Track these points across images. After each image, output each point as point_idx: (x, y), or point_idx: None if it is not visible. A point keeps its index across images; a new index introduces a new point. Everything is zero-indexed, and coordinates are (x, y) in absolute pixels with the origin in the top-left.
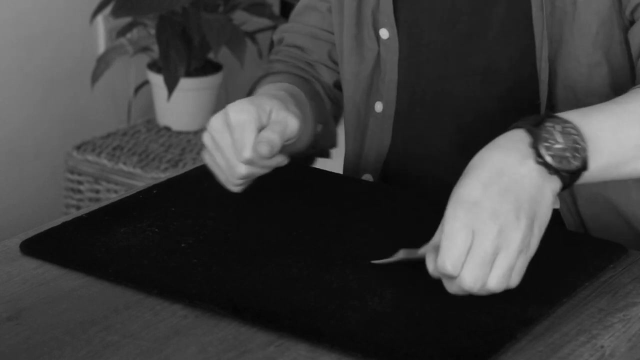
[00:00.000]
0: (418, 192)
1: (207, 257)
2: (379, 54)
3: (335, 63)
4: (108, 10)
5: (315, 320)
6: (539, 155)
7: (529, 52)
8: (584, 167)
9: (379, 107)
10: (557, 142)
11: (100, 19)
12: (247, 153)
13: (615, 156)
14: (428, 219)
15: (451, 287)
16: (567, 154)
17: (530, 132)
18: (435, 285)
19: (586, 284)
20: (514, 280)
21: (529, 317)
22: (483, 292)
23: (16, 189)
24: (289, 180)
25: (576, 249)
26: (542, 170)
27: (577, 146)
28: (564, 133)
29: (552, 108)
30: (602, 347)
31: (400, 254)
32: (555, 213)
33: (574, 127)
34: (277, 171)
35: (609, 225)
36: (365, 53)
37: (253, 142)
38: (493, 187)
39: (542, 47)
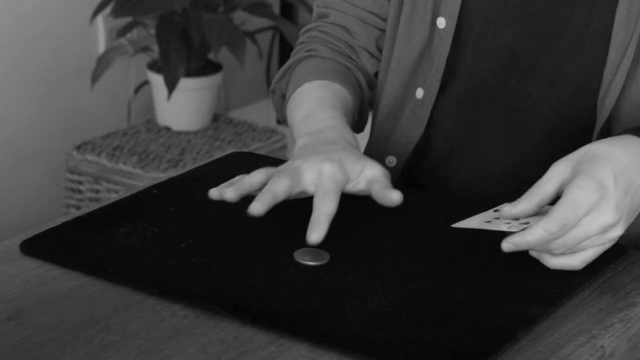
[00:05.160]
0: (424, 194)
1: (207, 257)
2: (428, 41)
3: (381, 51)
4: (108, 10)
5: (315, 320)
6: None
7: (601, 62)
8: None
9: (419, 93)
10: None
11: (100, 19)
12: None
13: None
14: (432, 220)
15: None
16: None
17: None
18: (435, 285)
19: (586, 284)
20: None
21: (529, 317)
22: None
23: (16, 189)
24: None
25: None
26: None
27: None
28: None
29: (611, 121)
30: (602, 347)
31: (477, 221)
32: None
33: None
34: None
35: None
36: (415, 39)
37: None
38: (621, 183)
39: (618, 60)
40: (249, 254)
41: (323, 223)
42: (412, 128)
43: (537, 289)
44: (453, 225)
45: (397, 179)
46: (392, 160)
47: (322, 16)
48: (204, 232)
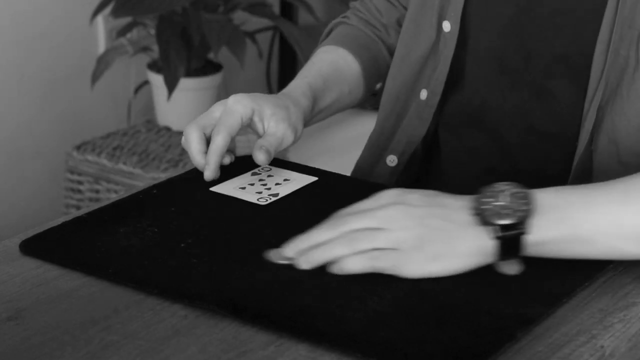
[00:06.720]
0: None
1: (207, 257)
2: (435, 43)
3: None
4: (108, 10)
5: (315, 320)
6: (474, 208)
7: (583, 89)
8: (520, 224)
9: (423, 94)
10: (498, 201)
11: (100, 19)
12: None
13: (573, 229)
14: None
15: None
16: (504, 212)
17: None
18: (435, 285)
19: (586, 284)
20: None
21: (529, 317)
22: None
23: (16, 189)
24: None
25: None
26: (474, 219)
27: (521, 208)
28: (512, 196)
29: (591, 154)
30: (602, 347)
31: (232, 186)
32: None
33: (526, 195)
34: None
35: None
36: (421, 39)
37: (229, 130)
38: (427, 206)
39: (594, 92)
40: (249, 254)
41: (211, 158)
42: (415, 128)
43: (537, 289)
44: (211, 189)
45: (398, 179)
46: (392, 159)
47: None
48: (204, 232)
